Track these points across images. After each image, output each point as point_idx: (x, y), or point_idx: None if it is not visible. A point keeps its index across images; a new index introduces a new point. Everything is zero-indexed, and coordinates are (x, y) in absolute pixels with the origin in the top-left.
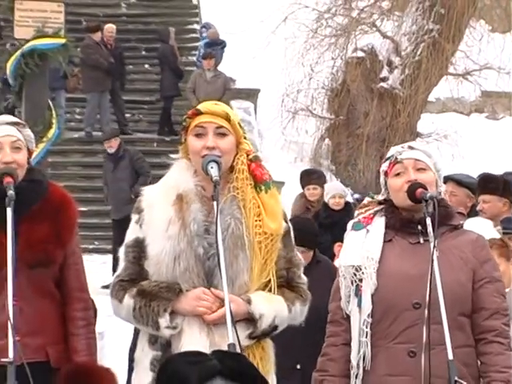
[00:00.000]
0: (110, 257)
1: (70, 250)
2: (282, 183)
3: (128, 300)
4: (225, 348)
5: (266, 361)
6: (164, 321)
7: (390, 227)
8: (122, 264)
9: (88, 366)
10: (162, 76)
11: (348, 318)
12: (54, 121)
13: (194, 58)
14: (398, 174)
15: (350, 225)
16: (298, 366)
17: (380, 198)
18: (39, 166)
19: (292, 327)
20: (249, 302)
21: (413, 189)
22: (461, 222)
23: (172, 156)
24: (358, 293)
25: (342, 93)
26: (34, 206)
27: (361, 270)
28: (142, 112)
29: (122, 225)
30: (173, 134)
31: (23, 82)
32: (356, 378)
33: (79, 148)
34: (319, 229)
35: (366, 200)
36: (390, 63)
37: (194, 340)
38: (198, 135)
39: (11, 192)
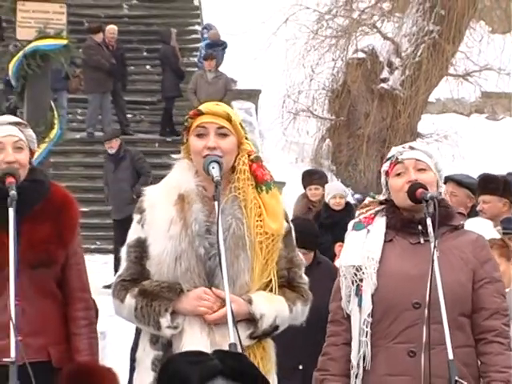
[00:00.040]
0: (111, 257)
1: (72, 250)
2: (283, 183)
3: (129, 300)
4: (226, 348)
5: (266, 360)
6: (165, 321)
7: (390, 227)
8: (123, 264)
9: (90, 365)
10: (164, 77)
11: (348, 317)
12: (55, 121)
13: (196, 59)
14: (398, 174)
15: (350, 225)
16: (300, 367)
17: (381, 198)
18: (41, 166)
19: (293, 327)
20: (250, 302)
21: (413, 189)
22: (461, 223)
23: (173, 156)
24: (358, 292)
25: (343, 94)
26: (36, 206)
27: (361, 269)
28: (144, 113)
29: (123, 225)
30: (174, 134)
31: (25, 83)
32: (356, 377)
33: (81, 148)
34: (320, 229)
35: (367, 200)
36: (390, 64)
37: (194, 340)
38: (199, 135)
39: (13, 192)
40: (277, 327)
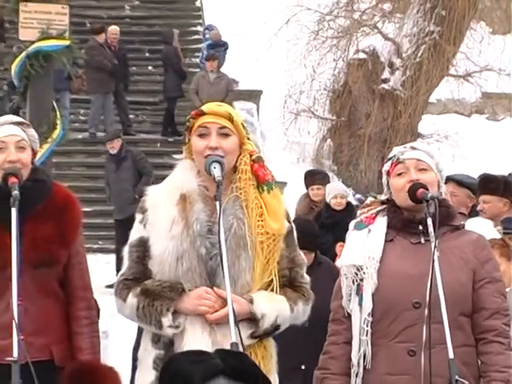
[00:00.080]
0: (113, 256)
1: (74, 250)
2: (285, 183)
3: (132, 299)
4: (227, 347)
5: (267, 360)
6: (167, 320)
7: (391, 227)
8: (126, 263)
9: (92, 364)
10: (166, 77)
11: (349, 316)
12: (58, 122)
13: (197, 60)
14: (399, 174)
15: (352, 224)
16: (303, 367)
17: (383, 197)
18: (44, 166)
19: (294, 327)
20: (251, 301)
21: (414, 189)
22: (462, 223)
23: (175, 156)
24: (359, 292)
25: (344, 94)
26: (39, 206)
27: (362, 269)
28: (146, 113)
29: (125, 225)
30: (176, 134)
31: (28, 83)
32: (356, 376)
33: (83, 149)
34: (321, 229)
35: (369, 200)
36: (391, 65)
37: (196, 339)
38: (201, 135)
39: (16, 192)
40: (278, 327)
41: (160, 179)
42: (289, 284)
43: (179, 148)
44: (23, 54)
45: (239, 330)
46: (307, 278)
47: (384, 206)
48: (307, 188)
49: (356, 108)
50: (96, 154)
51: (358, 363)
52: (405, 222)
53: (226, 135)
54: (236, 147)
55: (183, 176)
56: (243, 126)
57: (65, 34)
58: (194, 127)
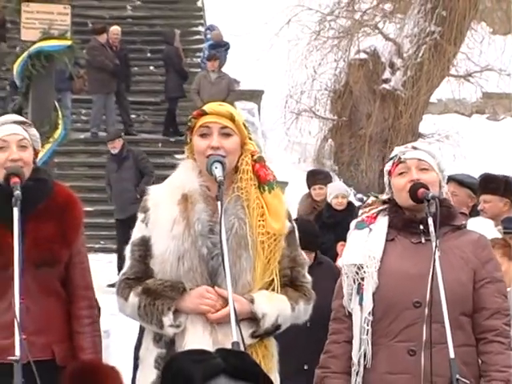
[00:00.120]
0: (115, 256)
1: (76, 249)
2: (286, 183)
3: (133, 298)
4: (228, 346)
5: (268, 359)
6: (168, 319)
7: (392, 226)
8: (127, 262)
9: (93, 363)
10: (167, 77)
11: (350, 315)
12: (60, 122)
13: (199, 60)
14: (401, 174)
15: (353, 224)
16: (306, 367)
17: (384, 197)
18: (46, 166)
19: (295, 326)
20: (252, 301)
21: (415, 188)
22: (463, 223)
23: (176, 156)
24: (359, 291)
25: (345, 94)
26: (40, 205)
27: (363, 268)
28: (147, 113)
29: (126, 224)
30: (177, 134)
31: (30, 84)
32: (357, 375)
33: (85, 149)
34: (322, 229)
35: (371, 200)
36: (392, 65)
37: (197, 338)
38: (202, 135)
39: (18, 192)
40: (279, 326)
41: (161, 179)
42: (290, 283)
43: (181, 148)
44: (25, 54)
45: (240, 330)
46: (309, 277)
47: (385, 206)
48: (309, 188)
49: (357, 108)
50: (98, 154)
51: (359, 362)
52: (406, 222)
53: (228, 135)
54: (237, 147)
55: (185, 176)
56: (245, 126)
57: (66, 34)
58: (195, 127)
